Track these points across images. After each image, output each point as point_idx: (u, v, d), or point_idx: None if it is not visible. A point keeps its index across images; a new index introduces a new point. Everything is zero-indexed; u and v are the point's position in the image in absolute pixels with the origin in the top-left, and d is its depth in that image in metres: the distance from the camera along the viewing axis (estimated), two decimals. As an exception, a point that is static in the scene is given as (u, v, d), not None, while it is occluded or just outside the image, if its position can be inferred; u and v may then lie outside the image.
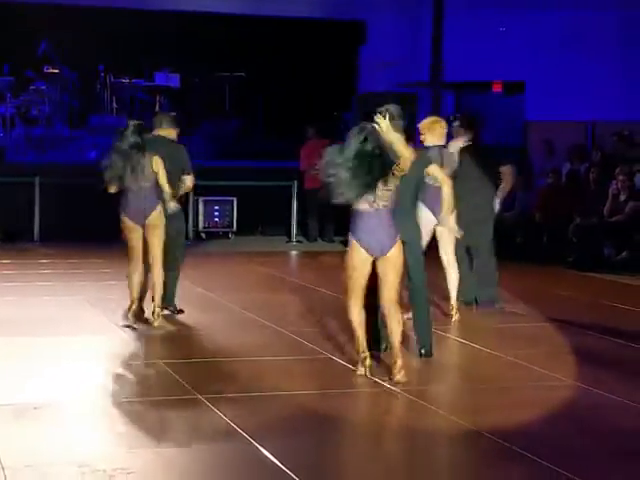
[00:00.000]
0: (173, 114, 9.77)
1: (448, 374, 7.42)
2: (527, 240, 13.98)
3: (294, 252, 14.80)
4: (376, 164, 6.60)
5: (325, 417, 6.23)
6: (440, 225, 8.89)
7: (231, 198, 15.49)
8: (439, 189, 8.19)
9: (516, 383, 7.13)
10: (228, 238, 15.48)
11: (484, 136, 18.24)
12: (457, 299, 9.26)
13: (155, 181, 8.49)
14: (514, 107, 17.92)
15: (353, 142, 6.63)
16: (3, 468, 5.10)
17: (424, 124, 9.03)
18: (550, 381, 7.17)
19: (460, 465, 5.43)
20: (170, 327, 8.65)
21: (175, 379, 6.97)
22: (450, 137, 9.36)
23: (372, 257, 6.80)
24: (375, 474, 5.27)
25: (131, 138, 8.42)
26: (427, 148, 8.81)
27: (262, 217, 15.90)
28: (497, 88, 18.38)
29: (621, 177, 13.10)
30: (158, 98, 18.06)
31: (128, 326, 8.54)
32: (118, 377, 7.11)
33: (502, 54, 17.44)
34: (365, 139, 6.60)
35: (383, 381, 6.91)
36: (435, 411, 6.32)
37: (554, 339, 8.64)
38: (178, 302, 9.07)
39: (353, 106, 16.78)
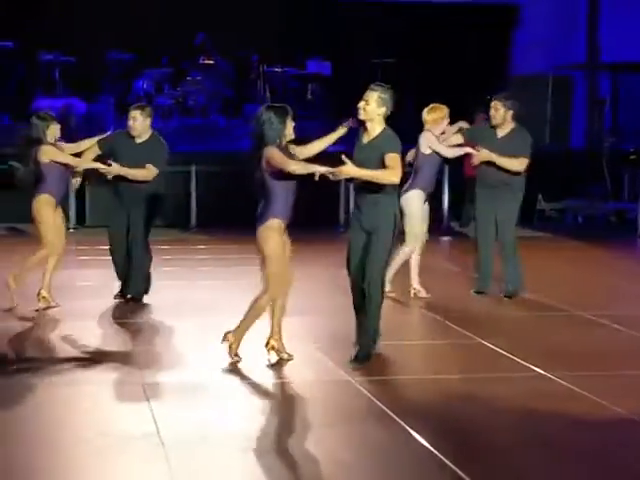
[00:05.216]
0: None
1: (600, 360, 7.30)
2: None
3: (445, 238, 14.52)
4: None
5: (475, 401, 6.22)
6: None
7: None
8: None
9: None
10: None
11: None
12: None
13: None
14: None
15: None
16: (162, 444, 5.28)
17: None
18: None
19: (614, 453, 5.35)
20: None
21: (326, 361, 7.07)
22: None
23: None
24: (531, 461, 5.25)
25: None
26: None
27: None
28: (656, 68, 17.86)
29: None
30: (310, 86, 18.24)
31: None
32: (275, 359, 7.25)
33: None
34: None
35: (535, 366, 6.87)
36: (588, 397, 6.24)
37: None
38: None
39: (507, 90, 16.57)
